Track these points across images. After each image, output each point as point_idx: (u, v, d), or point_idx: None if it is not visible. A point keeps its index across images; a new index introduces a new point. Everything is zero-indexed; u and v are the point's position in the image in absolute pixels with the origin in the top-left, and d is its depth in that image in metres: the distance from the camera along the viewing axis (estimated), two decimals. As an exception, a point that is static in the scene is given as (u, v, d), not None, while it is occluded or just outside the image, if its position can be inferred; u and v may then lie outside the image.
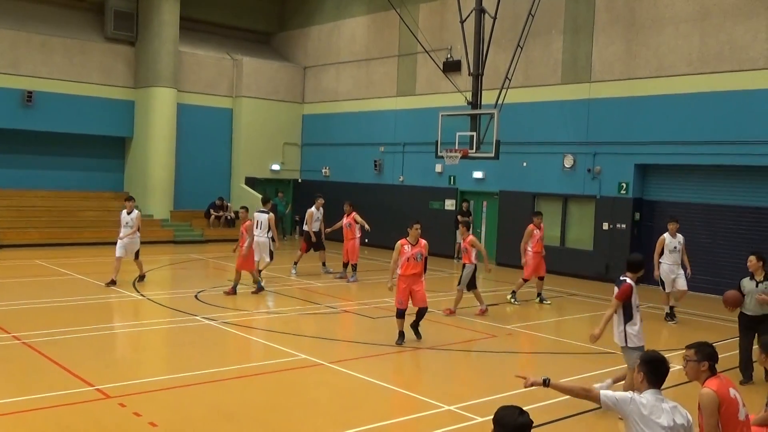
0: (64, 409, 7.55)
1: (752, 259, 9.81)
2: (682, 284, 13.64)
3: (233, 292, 14.51)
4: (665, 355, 5.03)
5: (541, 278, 15.28)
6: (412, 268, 10.87)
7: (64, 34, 24.14)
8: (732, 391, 5.29)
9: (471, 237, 13.66)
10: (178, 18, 25.01)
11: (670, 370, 5.03)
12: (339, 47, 26.81)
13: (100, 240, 22.31)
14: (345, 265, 17.70)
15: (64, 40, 23.91)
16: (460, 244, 21.85)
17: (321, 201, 18.27)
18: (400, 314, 10.91)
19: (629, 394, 4.85)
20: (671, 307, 13.80)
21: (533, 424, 3.89)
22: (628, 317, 8.11)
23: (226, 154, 27.33)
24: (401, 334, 10.94)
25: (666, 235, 13.73)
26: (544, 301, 15.27)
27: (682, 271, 13.68)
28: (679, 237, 13.72)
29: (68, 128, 24.04)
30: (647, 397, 4.81)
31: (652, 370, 4.87)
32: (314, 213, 17.97)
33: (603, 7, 18.91)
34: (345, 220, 17.65)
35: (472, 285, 13.54)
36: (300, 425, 7.51)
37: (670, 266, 13.55)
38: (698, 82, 17.06)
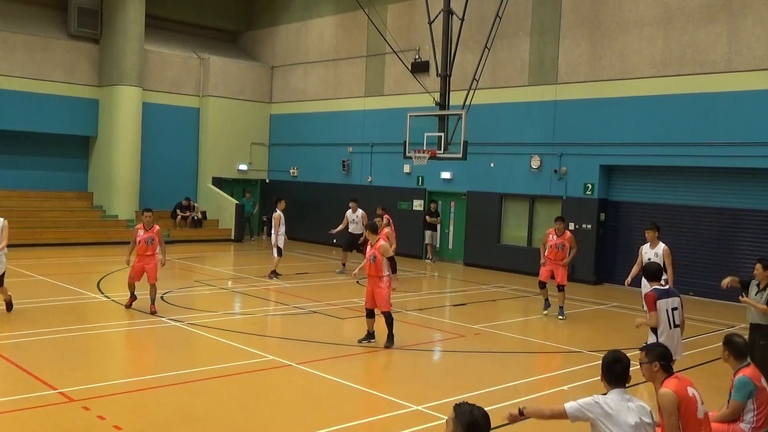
0: (26, 413, 7.41)
1: (759, 267, 9.07)
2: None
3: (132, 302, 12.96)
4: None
5: (560, 289, 13.88)
6: (368, 270, 10.93)
7: (26, 30, 23.68)
8: (690, 390, 5.37)
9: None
10: (144, 15, 24.67)
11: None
12: (307, 47, 26.72)
13: (63, 241, 22.01)
14: None
15: (26, 37, 23.45)
16: (428, 244, 22.16)
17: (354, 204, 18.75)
18: (366, 314, 11.04)
19: (592, 397, 4.90)
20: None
21: (487, 418, 3.91)
22: (655, 327, 7.95)
23: (193, 154, 27.07)
24: (367, 334, 11.03)
25: (645, 245, 12.03)
26: (560, 316, 13.81)
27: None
28: (659, 248, 11.80)
29: (30, 127, 23.57)
30: (612, 396, 4.90)
31: (609, 371, 4.99)
32: (349, 215, 18.47)
33: (569, 9, 19.13)
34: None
35: None
36: (268, 427, 7.47)
37: (644, 281, 11.25)
38: (661, 85, 17.35)
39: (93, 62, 24.87)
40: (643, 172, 18.37)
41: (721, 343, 6.58)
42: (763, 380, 6.27)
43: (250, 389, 8.68)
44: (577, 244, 14.43)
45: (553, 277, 14.00)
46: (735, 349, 6.39)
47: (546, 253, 14.02)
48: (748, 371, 6.26)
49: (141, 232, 12.73)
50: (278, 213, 17.27)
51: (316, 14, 26.38)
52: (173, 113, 26.27)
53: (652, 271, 8.45)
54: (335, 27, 25.71)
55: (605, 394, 4.99)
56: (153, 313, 12.52)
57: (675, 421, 5.23)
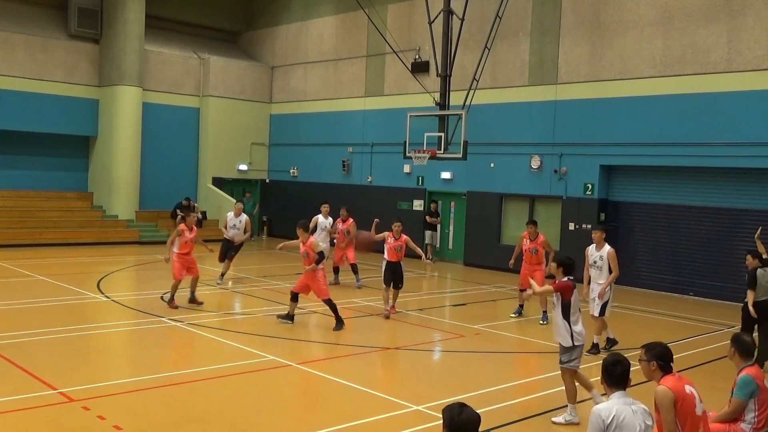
0: (26, 413, 7.40)
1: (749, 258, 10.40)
2: (592, 309, 10.93)
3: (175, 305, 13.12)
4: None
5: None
6: (304, 263, 12.03)
7: (27, 30, 23.68)
8: (688, 388, 5.40)
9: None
10: (144, 16, 24.68)
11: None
12: (307, 47, 26.72)
13: (63, 241, 22.01)
14: (336, 270, 17.07)
15: (26, 37, 23.45)
16: (428, 244, 22.12)
17: (240, 206, 17.17)
18: (291, 297, 12.19)
19: (593, 413, 4.92)
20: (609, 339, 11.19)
21: (479, 419, 3.91)
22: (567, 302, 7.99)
23: (193, 154, 27.07)
24: (287, 314, 12.15)
25: (590, 247, 11.22)
26: (541, 321, 13.23)
27: (595, 295, 10.91)
28: (605, 250, 10.94)
29: (30, 127, 23.58)
30: (616, 401, 4.93)
31: (608, 373, 5.04)
32: (229, 219, 16.73)
33: (569, 9, 19.13)
34: (342, 226, 16.73)
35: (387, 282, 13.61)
36: (268, 427, 7.46)
37: (590, 285, 11.00)
38: (661, 85, 17.35)
39: (93, 62, 24.87)
40: (643, 172, 18.37)
41: (721, 343, 6.58)
42: (766, 380, 6.26)
43: (250, 389, 8.67)
44: (553, 248, 13.87)
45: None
46: (741, 347, 6.37)
47: (523, 259, 13.56)
48: (752, 371, 6.24)
49: (187, 233, 13.16)
50: (316, 217, 16.52)
51: (316, 14, 26.37)
52: (173, 113, 26.27)
53: (572, 267, 8.20)
54: (335, 27, 25.70)
55: (604, 394, 5.03)
56: (175, 307, 12.93)
57: (672, 418, 5.25)
